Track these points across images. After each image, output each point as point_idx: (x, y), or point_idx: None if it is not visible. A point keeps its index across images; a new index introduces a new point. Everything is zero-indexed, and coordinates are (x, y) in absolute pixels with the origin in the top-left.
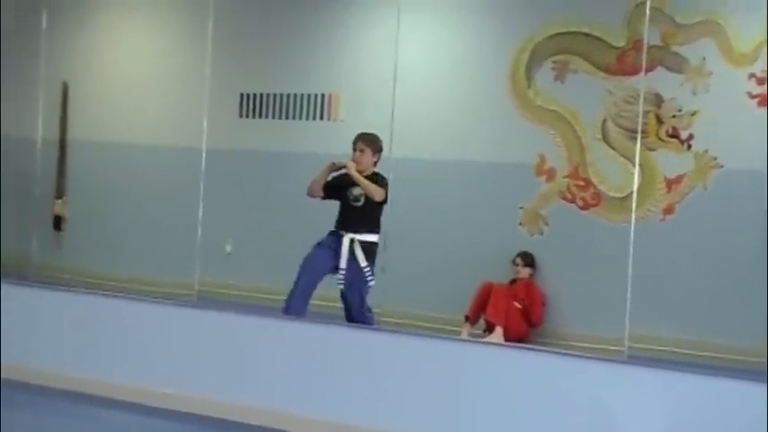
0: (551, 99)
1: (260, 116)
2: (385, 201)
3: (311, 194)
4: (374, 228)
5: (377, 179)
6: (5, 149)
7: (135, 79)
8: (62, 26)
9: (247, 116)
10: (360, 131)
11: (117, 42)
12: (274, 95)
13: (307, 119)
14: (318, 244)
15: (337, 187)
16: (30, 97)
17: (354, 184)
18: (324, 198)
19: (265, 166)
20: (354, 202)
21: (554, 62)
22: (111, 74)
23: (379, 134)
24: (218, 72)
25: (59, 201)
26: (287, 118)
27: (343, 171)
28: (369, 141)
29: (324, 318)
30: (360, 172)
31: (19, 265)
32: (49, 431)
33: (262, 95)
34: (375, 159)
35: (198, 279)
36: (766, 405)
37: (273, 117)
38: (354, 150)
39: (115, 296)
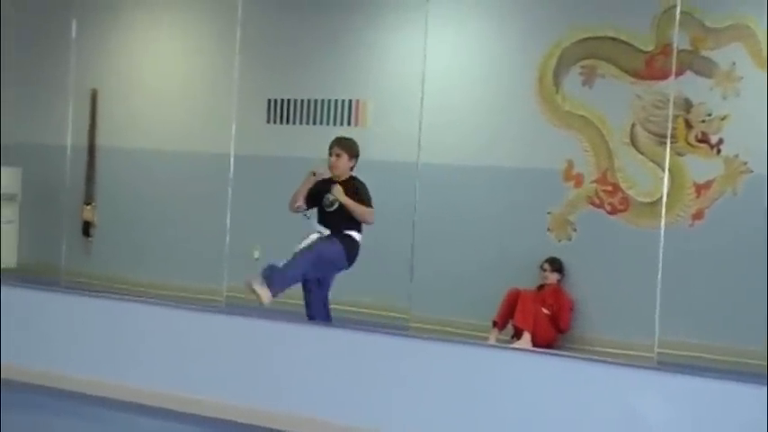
0: (579, 104)
1: (287, 122)
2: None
3: (293, 208)
4: (353, 227)
5: (355, 184)
6: (36, 156)
7: (163, 86)
8: (91, 34)
9: (275, 122)
10: (338, 136)
11: (145, 50)
12: (302, 101)
13: (334, 125)
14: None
15: (316, 194)
16: (59, 104)
17: (328, 190)
18: (307, 208)
19: (293, 171)
20: (329, 208)
21: (582, 67)
22: (140, 81)
23: (407, 140)
24: (245, 78)
25: (88, 207)
26: (314, 124)
27: (318, 179)
28: (345, 146)
29: (351, 323)
30: (337, 177)
31: (48, 271)
32: None
33: (289, 101)
34: (351, 164)
35: (226, 285)
36: None
37: (301, 123)
38: (330, 155)
39: (144, 302)
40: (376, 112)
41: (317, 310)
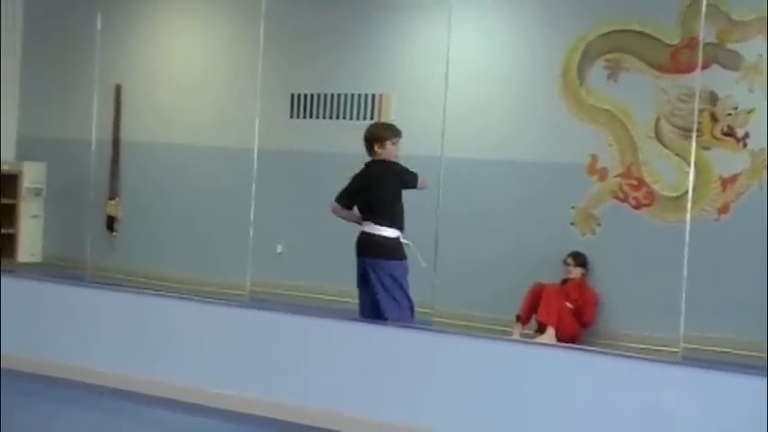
0: (604, 98)
1: (311, 116)
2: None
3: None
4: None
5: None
6: (60, 151)
7: (187, 81)
8: (116, 28)
9: (298, 116)
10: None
11: (169, 44)
12: (325, 96)
13: (357, 119)
14: None
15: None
16: (83, 99)
17: None
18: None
19: (316, 166)
20: None
21: (606, 60)
22: (164, 75)
23: (430, 134)
24: (269, 73)
25: (112, 202)
26: (337, 118)
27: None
28: (398, 132)
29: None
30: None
31: (73, 266)
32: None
33: (312, 96)
34: None
35: (250, 279)
36: None
37: (324, 117)
38: (393, 144)
39: (168, 296)
40: (399, 106)
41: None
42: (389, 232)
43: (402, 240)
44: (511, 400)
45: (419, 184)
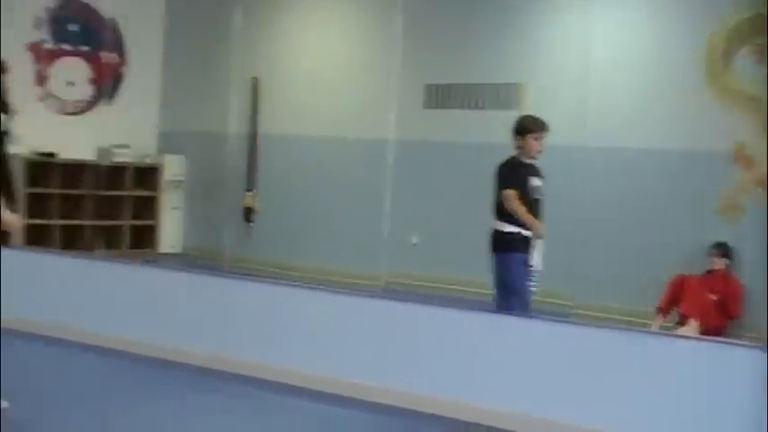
0: (750, 84)
1: (445, 107)
2: None
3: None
4: None
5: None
6: (200, 144)
7: (323, 73)
8: (254, 23)
9: (433, 107)
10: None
11: (306, 38)
12: (460, 86)
13: (493, 109)
14: None
15: (522, 180)
16: (221, 93)
17: (534, 174)
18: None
19: (451, 156)
20: (540, 195)
21: (753, 45)
22: (300, 68)
23: (569, 124)
24: (404, 64)
25: (249, 193)
26: (473, 108)
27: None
28: (544, 125)
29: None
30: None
31: (212, 256)
32: (248, 420)
33: (448, 86)
34: None
35: (385, 271)
36: None
37: (459, 107)
38: (537, 138)
39: (304, 287)
40: (537, 96)
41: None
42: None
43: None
44: (653, 393)
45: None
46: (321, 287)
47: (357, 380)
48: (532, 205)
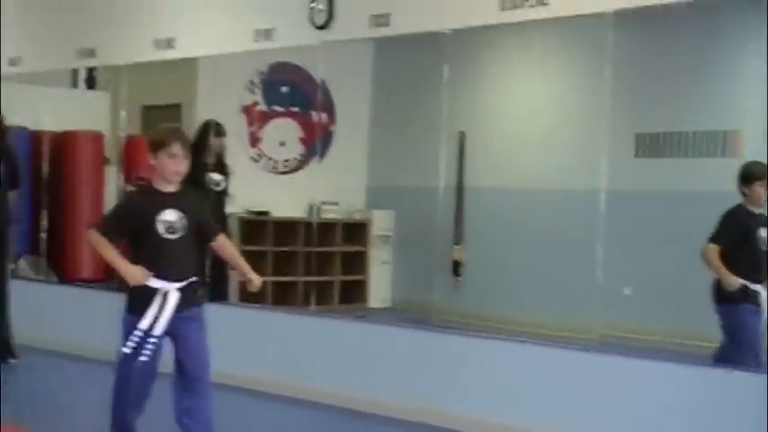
0: None
1: (657, 156)
2: None
3: None
4: None
5: None
6: (407, 198)
7: (529, 125)
8: (461, 78)
9: (644, 156)
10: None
11: (511, 91)
12: (671, 134)
13: (706, 156)
14: None
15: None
16: (428, 147)
17: (762, 224)
18: None
19: (663, 205)
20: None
21: None
22: (506, 121)
23: None
24: (614, 113)
25: (457, 247)
26: (685, 156)
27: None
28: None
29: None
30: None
31: (420, 310)
32: None
33: (659, 135)
34: None
35: (599, 322)
36: None
37: (671, 156)
38: (764, 185)
39: (515, 340)
40: (752, 142)
41: None
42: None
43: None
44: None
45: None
46: (533, 340)
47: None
48: (758, 257)
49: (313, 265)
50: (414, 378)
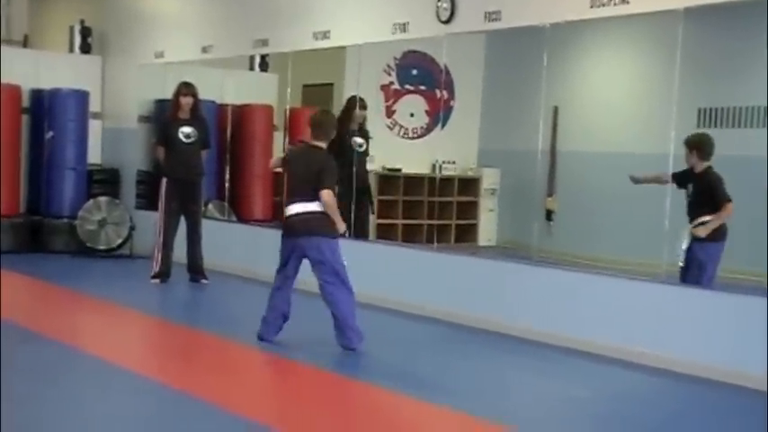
0: None
1: (714, 126)
2: None
3: None
4: None
5: None
6: (510, 159)
7: (610, 101)
8: (557, 62)
9: (703, 126)
10: None
11: (598, 73)
12: (726, 108)
13: (752, 127)
14: None
15: None
16: (529, 118)
17: None
18: None
19: (719, 167)
20: None
21: None
22: (592, 97)
23: None
24: (680, 92)
25: (550, 198)
26: (737, 127)
27: None
28: None
29: None
30: None
31: (520, 248)
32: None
33: (716, 109)
34: None
35: (665, 260)
36: None
37: (725, 127)
38: None
39: (596, 273)
40: None
41: None
42: None
43: None
44: None
45: None
46: (610, 273)
47: (646, 349)
48: None
49: (434, 212)
50: (515, 302)
